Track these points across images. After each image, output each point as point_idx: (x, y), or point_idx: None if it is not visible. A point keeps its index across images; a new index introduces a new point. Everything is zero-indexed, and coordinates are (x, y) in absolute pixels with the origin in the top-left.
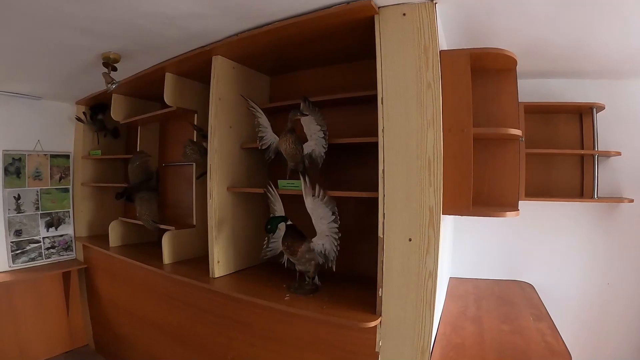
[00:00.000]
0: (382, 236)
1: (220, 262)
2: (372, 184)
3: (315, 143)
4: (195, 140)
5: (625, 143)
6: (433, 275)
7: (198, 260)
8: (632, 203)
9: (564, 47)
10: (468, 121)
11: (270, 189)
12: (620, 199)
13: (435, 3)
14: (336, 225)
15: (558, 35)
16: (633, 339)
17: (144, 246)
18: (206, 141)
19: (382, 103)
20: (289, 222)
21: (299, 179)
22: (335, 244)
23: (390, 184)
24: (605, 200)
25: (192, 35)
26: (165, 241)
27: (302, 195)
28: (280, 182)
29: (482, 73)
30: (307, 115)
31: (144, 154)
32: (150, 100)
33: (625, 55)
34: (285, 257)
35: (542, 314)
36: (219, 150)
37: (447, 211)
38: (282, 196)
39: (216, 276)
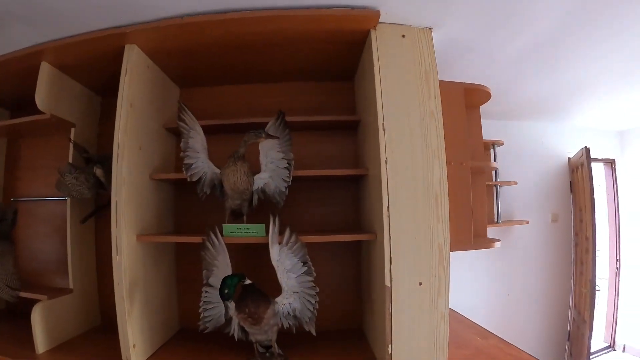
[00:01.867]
0: (389, 285)
1: (137, 346)
2: (342, 225)
3: (271, 175)
4: (73, 165)
5: (518, 174)
6: (445, 318)
7: (86, 342)
8: (527, 224)
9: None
10: (466, 154)
11: (214, 237)
12: (519, 222)
13: (432, 29)
14: (310, 279)
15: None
16: (532, 339)
17: None
18: (92, 167)
19: (383, 130)
20: (247, 281)
21: (241, 222)
22: (313, 301)
23: (396, 223)
24: (507, 223)
25: (101, 6)
26: (37, 318)
27: (250, 245)
28: (228, 227)
29: None
30: (275, 137)
31: None
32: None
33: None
34: (234, 326)
35: (483, 332)
36: (128, 181)
37: (452, 247)
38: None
39: None
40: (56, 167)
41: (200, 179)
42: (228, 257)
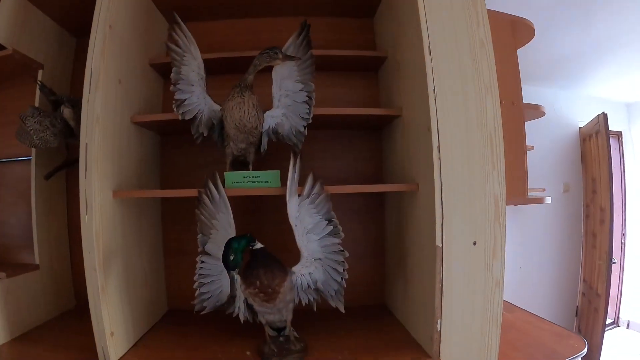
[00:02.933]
0: (440, 244)
1: (115, 334)
2: (362, 179)
3: (285, 112)
4: (39, 108)
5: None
6: (500, 285)
7: (56, 329)
8: (543, 192)
9: None
10: (517, 93)
11: (213, 189)
12: (535, 189)
13: None
14: (337, 241)
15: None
16: (541, 313)
17: None
18: (59, 109)
19: (429, 54)
20: (258, 245)
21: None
22: (340, 269)
23: (448, 169)
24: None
25: None
26: None
27: (256, 199)
28: (231, 175)
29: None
30: (296, 58)
31: None
32: None
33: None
34: (239, 304)
35: (508, 306)
36: (102, 120)
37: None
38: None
39: None
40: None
41: (194, 117)
42: (231, 216)
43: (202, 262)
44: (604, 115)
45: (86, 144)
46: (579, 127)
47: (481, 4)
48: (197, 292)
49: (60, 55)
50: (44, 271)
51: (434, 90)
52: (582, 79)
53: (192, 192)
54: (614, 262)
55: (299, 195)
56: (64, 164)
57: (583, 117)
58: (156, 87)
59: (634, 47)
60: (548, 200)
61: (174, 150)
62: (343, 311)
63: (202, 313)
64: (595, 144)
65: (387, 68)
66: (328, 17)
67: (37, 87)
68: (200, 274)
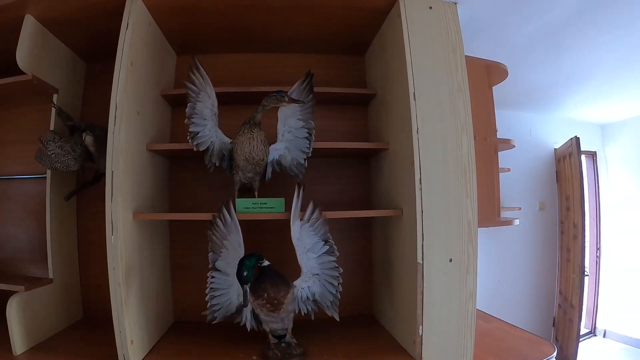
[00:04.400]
0: (421, 262)
1: (134, 343)
2: (351, 203)
3: (287, 146)
4: (59, 133)
5: (507, 163)
6: (473, 295)
7: (70, 339)
8: (519, 211)
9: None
10: (489, 130)
11: (226, 213)
12: (511, 208)
13: (456, 3)
14: (332, 259)
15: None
16: (520, 324)
17: None
18: (80, 135)
19: (414, 99)
20: (265, 262)
21: (252, 197)
22: (335, 283)
23: (428, 197)
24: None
25: None
26: (14, 313)
27: (257, 223)
28: (242, 202)
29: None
30: (300, 102)
31: None
32: None
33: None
34: (247, 314)
35: (485, 316)
36: (125, 150)
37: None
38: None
39: None
40: (37, 138)
41: (207, 148)
42: (241, 237)
43: (213, 277)
44: (577, 139)
45: (112, 171)
46: (555, 149)
47: (460, 52)
48: (208, 304)
49: (72, 79)
50: (57, 285)
51: (417, 131)
52: (557, 104)
53: (206, 216)
54: (587, 275)
55: (301, 219)
56: (82, 186)
57: (558, 139)
58: (166, 115)
59: (603, 78)
60: (517, 222)
61: (182, 173)
62: (338, 319)
63: (213, 322)
64: (569, 164)
65: (376, 104)
66: (323, 55)
67: (55, 112)
68: (211, 288)
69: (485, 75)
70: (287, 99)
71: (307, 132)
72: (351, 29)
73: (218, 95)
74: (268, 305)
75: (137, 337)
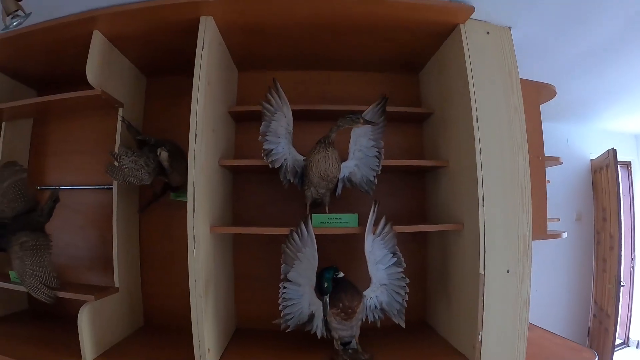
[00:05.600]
0: (482, 272)
1: (211, 350)
2: (408, 217)
3: (357, 163)
4: (131, 148)
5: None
6: (526, 305)
7: (135, 346)
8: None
9: None
10: (540, 149)
11: (304, 228)
12: (551, 219)
13: (510, 28)
14: (400, 270)
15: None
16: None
17: (14, 325)
18: (154, 150)
19: (477, 122)
20: (341, 274)
21: (321, 211)
22: (402, 293)
23: (489, 213)
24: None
25: None
26: (85, 321)
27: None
28: (318, 217)
29: None
30: (374, 124)
31: (17, 166)
32: (22, 83)
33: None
34: (317, 322)
35: None
36: (205, 167)
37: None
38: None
39: None
40: (97, 150)
41: (281, 165)
42: (315, 249)
43: (285, 287)
44: (614, 151)
45: (194, 187)
46: (591, 159)
47: (516, 75)
48: (282, 313)
49: (135, 94)
50: (122, 293)
51: (479, 151)
52: (594, 116)
53: (284, 230)
54: (623, 285)
55: (373, 233)
56: (154, 199)
57: (594, 150)
58: (231, 131)
59: None
60: (564, 235)
61: (245, 187)
62: (404, 327)
63: (287, 331)
64: (606, 176)
65: (432, 122)
66: (380, 73)
67: (124, 126)
68: (283, 298)
69: (536, 96)
70: (361, 121)
71: (377, 151)
72: (410, 50)
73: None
74: (342, 314)
75: (212, 345)
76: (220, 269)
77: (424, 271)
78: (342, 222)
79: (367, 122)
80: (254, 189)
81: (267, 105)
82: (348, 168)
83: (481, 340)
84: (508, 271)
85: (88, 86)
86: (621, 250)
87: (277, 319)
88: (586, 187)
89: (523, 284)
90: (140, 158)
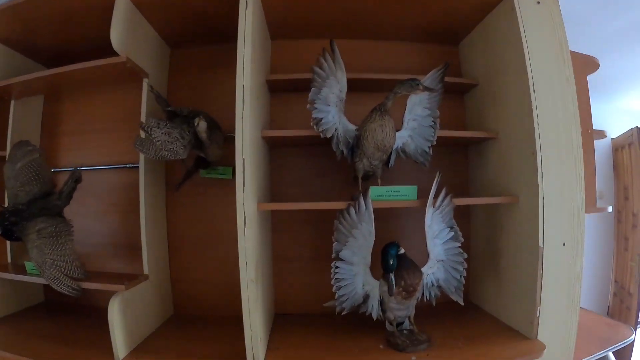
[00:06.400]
0: (542, 245)
1: (262, 339)
2: (450, 190)
3: (410, 134)
4: (163, 120)
5: None
6: (579, 278)
7: (170, 338)
8: None
9: None
10: (590, 123)
11: (362, 202)
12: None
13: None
14: (457, 244)
15: None
16: None
17: (31, 320)
18: (191, 120)
19: (533, 92)
20: (402, 250)
21: (372, 183)
22: (460, 268)
23: (547, 185)
24: None
25: None
26: (116, 314)
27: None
28: (376, 190)
29: None
30: (433, 90)
31: (30, 146)
32: (29, 57)
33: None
34: (373, 303)
35: None
36: (252, 139)
37: None
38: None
39: None
40: (120, 126)
41: (332, 136)
42: (373, 225)
43: (337, 267)
44: (638, 129)
45: (243, 159)
46: (612, 138)
47: (566, 45)
48: (336, 295)
49: (159, 64)
50: (152, 281)
51: (537, 122)
52: (616, 95)
53: (339, 205)
54: None
55: (433, 206)
56: (187, 175)
57: (615, 129)
58: (267, 102)
59: None
60: (610, 209)
61: (282, 163)
62: (462, 304)
63: (342, 314)
64: (628, 154)
65: (477, 94)
66: (418, 43)
67: (152, 96)
68: (336, 278)
69: (583, 68)
70: (421, 87)
71: (432, 120)
72: (453, 20)
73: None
74: (404, 292)
75: (263, 335)
76: (264, 252)
77: (466, 248)
78: (401, 194)
79: (426, 88)
80: (292, 164)
81: (319, 70)
82: (401, 138)
83: (539, 316)
84: (564, 244)
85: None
86: None
87: (329, 301)
88: (607, 166)
89: (577, 257)
90: (174, 130)
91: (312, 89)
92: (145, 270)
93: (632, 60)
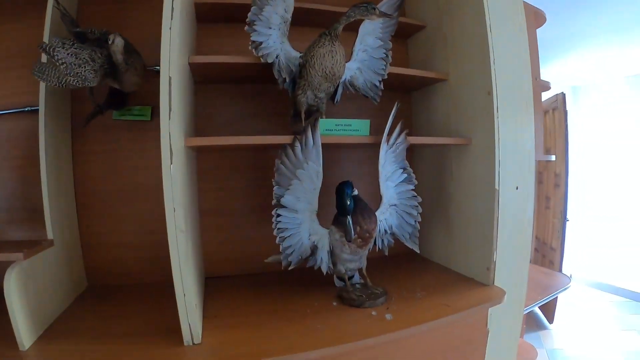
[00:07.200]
0: (497, 188)
1: (197, 306)
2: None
3: (359, 66)
4: (69, 39)
5: None
6: (531, 222)
7: (85, 319)
8: None
9: None
10: (538, 72)
11: (310, 135)
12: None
13: None
14: (411, 187)
15: None
16: None
17: None
18: (105, 37)
19: (490, 32)
20: (355, 191)
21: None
22: (415, 213)
23: (502, 126)
24: None
25: None
26: (14, 291)
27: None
28: (324, 123)
29: None
30: (390, 17)
31: None
32: None
33: None
34: (322, 255)
35: None
36: (179, 65)
37: None
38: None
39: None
40: (38, 44)
41: (274, 62)
42: (321, 165)
43: (279, 215)
44: (563, 95)
45: (169, 77)
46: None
47: None
48: (280, 247)
49: None
50: (58, 248)
51: (493, 61)
52: (550, 58)
53: (285, 139)
54: (568, 220)
55: (387, 143)
56: (99, 109)
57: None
58: (193, 29)
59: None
60: (552, 157)
61: (207, 101)
62: (418, 251)
63: (289, 268)
64: (552, 118)
65: (424, 36)
66: None
67: (59, 14)
68: (278, 228)
69: (533, 19)
70: (377, 12)
71: (384, 53)
72: None
73: None
74: (359, 239)
75: (198, 301)
76: (192, 201)
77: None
78: (352, 129)
79: (383, 14)
80: (220, 103)
81: None
82: (350, 70)
83: (495, 261)
84: (517, 188)
85: None
86: (567, 187)
87: (271, 256)
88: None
89: (529, 201)
90: (83, 50)
91: (253, 7)
92: (50, 235)
93: (572, 25)
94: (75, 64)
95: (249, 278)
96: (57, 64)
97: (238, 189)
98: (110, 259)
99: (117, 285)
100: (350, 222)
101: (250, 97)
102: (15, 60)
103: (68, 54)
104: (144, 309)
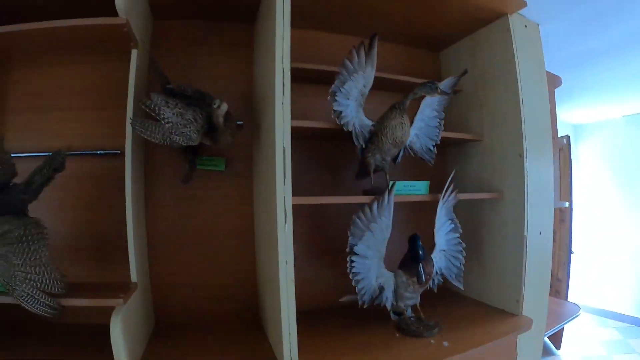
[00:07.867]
0: (526, 234)
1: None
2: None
3: (416, 133)
4: (173, 98)
5: None
6: (549, 261)
7: (170, 351)
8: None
9: None
10: (555, 132)
11: (386, 196)
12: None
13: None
14: (457, 235)
15: None
16: None
17: None
18: (209, 101)
19: (522, 104)
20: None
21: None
22: (460, 256)
23: (530, 182)
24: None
25: None
26: (119, 335)
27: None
28: (398, 184)
29: None
30: (448, 94)
31: None
32: None
33: None
34: (388, 294)
35: None
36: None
37: None
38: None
39: None
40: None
41: (353, 129)
42: (391, 220)
43: (352, 261)
44: (568, 137)
45: (284, 148)
46: None
47: (543, 66)
48: (356, 289)
49: (144, 36)
50: (140, 290)
51: (524, 129)
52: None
53: (365, 199)
54: (573, 253)
55: (442, 199)
56: (192, 164)
57: None
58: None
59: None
60: (566, 204)
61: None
62: (462, 288)
63: (364, 307)
64: (558, 158)
65: (459, 100)
66: (398, 45)
67: (153, 71)
68: (353, 272)
69: (552, 86)
70: (438, 90)
71: (438, 122)
72: (443, 27)
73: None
74: (423, 283)
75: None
76: None
77: None
78: (415, 189)
79: (443, 92)
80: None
81: (349, 64)
82: (410, 137)
83: (523, 294)
84: (540, 233)
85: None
86: (571, 223)
87: (346, 296)
88: None
89: (548, 242)
90: (187, 111)
91: (336, 81)
92: (133, 278)
93: (577, 79)
94: (180, 124)
95: (316, 314)
96: (162, 122)
97: (297, 234)
98: (175, 299)
99: (184, 323)
100: (422, 268)
101: (325, 153)
102: (89, 101)
103: (173, 113)
104: (227, 344)
